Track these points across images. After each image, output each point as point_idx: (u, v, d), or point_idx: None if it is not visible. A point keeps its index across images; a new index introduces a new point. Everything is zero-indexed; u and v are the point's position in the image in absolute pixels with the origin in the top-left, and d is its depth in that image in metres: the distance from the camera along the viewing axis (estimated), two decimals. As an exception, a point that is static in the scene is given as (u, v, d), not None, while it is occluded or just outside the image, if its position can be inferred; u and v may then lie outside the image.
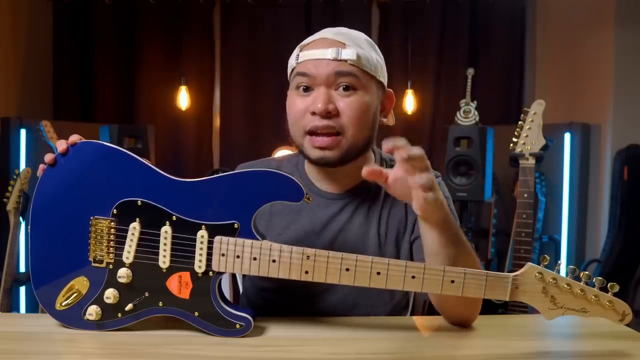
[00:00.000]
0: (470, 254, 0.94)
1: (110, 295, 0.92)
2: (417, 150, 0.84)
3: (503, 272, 0.87)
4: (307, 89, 1.04)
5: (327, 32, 1.07)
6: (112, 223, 0.93)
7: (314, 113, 1.02)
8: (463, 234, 0.95)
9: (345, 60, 1.01)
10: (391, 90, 1.13)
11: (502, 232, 3.24)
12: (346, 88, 1.02)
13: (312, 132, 1.03)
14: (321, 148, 1.03)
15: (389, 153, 0.85)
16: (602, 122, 3.19)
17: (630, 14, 3.02)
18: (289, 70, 1.11)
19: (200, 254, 0.90)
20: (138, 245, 0.92)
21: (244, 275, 1.21)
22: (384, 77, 1.09)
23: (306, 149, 1.05)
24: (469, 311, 0.99)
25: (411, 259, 1.09)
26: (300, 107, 1.04)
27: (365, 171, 0.87)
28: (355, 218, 1.11)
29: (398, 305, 1.13)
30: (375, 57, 1.06)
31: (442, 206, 0.89)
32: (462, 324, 1.00)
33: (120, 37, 4.14)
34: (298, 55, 1.06)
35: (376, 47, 1.10)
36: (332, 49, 1.02)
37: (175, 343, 0.88)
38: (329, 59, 1.01)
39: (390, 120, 1.17)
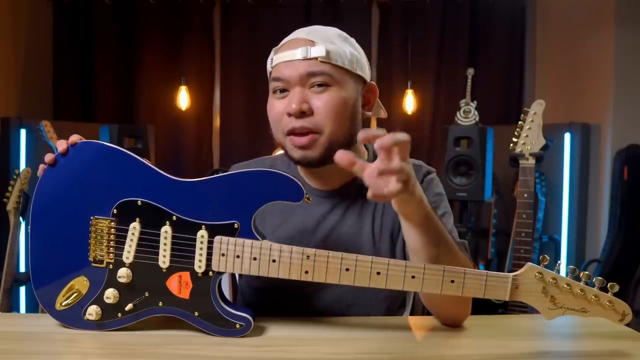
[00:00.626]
0: (455, 254, 0.93)
1: (110, 295, 0.92)
2: (403, 136, 0.77)
3: (503, 272, 0.87)
4: (284, 91, 1.04)
5: (300, 32, 1.07)
6: (112, 223, 0.93)
7: (290, 114, 1.02)
8: (447, 233, 0.94)
9: (316, 58, 1.01)
10: (373, 82, 1.12)
11: (502, 232, 3.24)
12: (320, 85, 1.02)
13: (290, 133, 1.03)
14: (301, 147, 1.03)
15: (365, 142, 0.82)
16: (602, 122, 3.19)
17: (630, 14, 3.02)
18: (268, 76, 1.10)
19: (200, 254, 0.90)
20: (138, 245, 0.92)
21: (240, 275, 1.21)
22: (362, 70, 1.08)
23: (288, 150, 1.06)
24: (460, 310, 0.99)
25: (404, 256, 1.09)
26: (278, 110, 1.04)
27: (338, 155, 0.79)
28: (348, 215, 1.10)
29: (394, 303, 1.13)
30: (349, 50, 1.05)
31: (421, 203, 0.86)
32: (453, 324, 1.00)
33: (120, 37, 4.15)
34: (272, 59, 1.07)
35: (352, 40, 1.09)
36: (301, 48, 1.02)
37: (175, 343, 0.88)
38: (299, 59, 1.02)
39: (381, 113, 1.16)
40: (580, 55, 3.40)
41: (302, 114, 1.01)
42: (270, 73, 1.08)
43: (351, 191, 1.12)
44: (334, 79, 1.02)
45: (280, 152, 1.18)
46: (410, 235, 0.91)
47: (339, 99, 1.02)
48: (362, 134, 0.79)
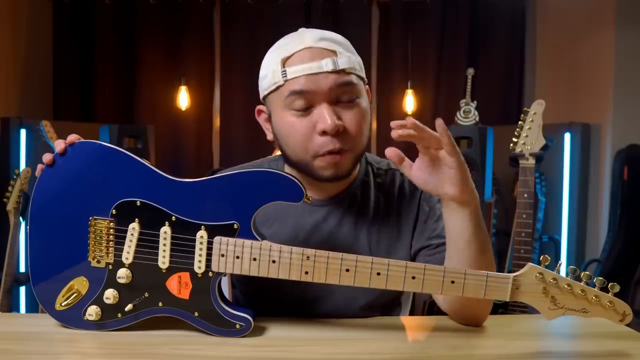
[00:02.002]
0: (491, 253, 0.95)
1: (110, 295, 0.92)
2: (404, 129, 0.85)
3: (503, 272, 0.87)
4: (307, 108, 0.96)
5: (309, 40, 0.97)
6: (111, 223, 0.93)
7: (324, 133, 0.95)
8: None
9: (343, 70, 0.95)
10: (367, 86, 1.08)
11: (502, 232, 3.24)
12: (348, 99, 0.97)
13: (327, 154, 0.97)
14: (334, 166, 0.98)
15: (400, 139, 0.84)
16: (602, 122, 3.19)
17: (630, 14, 3.02)
18: (268, 86, 1.00)
19: (200, 255, 0.90)
20: (137, 245, 0.92)
21: (233, 286, 1.19)
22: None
23: (317, 170, 0.99)
24: (482, 310, 0.99)
25: None
26: (305, 128, 0.97)
27: (389, 151, 0.88)
28: (342, 225, 1.07)
29: (388, 306, 1.13)
30: (357, 56, 1.02)
31: (473, 192, 0.90)
32: (473, 324, 1.00)
33: (120, 37, 4.14)
34: (284, 71, 0.96)
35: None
36: (326, 59, 0.94)
37: (175, 343, 0.88)
38: (327, 72, 0.94)
39: None
40: (580, 55, 3.40)
41: (337, 132, 0.95)
42: (281, 86, 0.97)
43: (345, 201, 1.09)
44: (358, 90, 0.99)
45: (278, 153, 1.15)
46: (464, 225, 0.91)
47: (364, 112, 1.00)
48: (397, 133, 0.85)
